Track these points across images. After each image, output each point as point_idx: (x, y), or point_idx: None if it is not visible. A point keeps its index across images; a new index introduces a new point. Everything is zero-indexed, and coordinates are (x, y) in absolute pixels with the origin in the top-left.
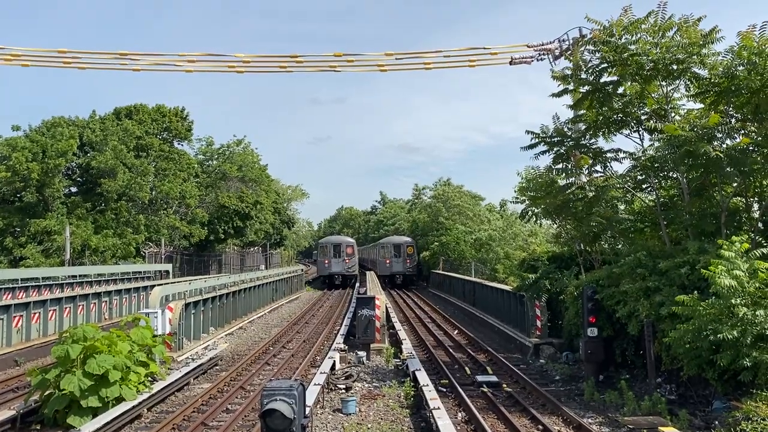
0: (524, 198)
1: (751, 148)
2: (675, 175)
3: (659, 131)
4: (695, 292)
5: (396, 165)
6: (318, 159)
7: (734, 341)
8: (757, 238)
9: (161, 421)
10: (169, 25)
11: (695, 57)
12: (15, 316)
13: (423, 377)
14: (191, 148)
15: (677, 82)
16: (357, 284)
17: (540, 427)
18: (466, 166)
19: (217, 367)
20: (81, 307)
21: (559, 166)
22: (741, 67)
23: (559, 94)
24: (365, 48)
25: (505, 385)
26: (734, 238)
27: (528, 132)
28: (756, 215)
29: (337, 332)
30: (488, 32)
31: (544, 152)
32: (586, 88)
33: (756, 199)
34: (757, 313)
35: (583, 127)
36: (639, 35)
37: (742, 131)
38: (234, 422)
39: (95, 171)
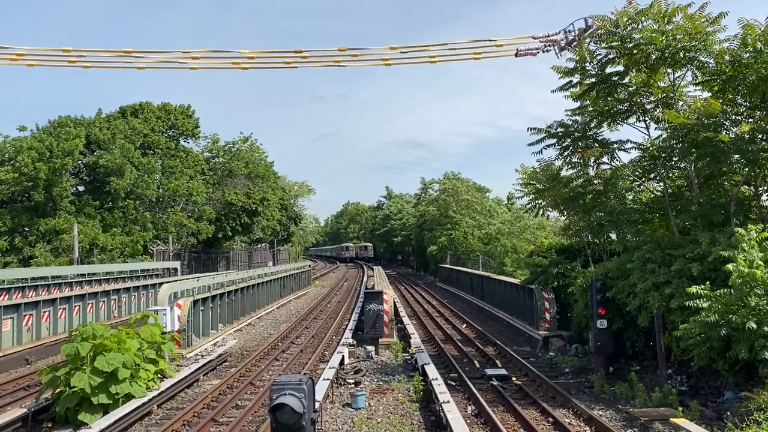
0: (528, 191)
1: (759, 136)
2: (683, 165)
3: (665, 120)
4: (707, 283)
5: (401, 160)
6: (323, 155)
7: (751, 332)
8: (767, 226)
9: (171, 417)
10: (160, 25)
11: (701, 44)
12: (25, 315)
13: (432, 371)
14: (197, 146)
15: (683, 70)
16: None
17: (550, 419)
18: (471, 161)
19: (227, 364)
20: (90, 305)
21: (566, 158)
22: (747, 55)
23: (562, 88)
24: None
25: (514, 378)
26: (751, 226)
27: (530, 129)
28: (765, 204)
29: (346, 327)
30: (489, 28)
31: (549, 146)
32: (592, 80)
33: (765, 188)
34: None
35: (588, 118)
36: (645, 23)
37: (750, 120)
38: (244, 418)
39: (103, 170)
